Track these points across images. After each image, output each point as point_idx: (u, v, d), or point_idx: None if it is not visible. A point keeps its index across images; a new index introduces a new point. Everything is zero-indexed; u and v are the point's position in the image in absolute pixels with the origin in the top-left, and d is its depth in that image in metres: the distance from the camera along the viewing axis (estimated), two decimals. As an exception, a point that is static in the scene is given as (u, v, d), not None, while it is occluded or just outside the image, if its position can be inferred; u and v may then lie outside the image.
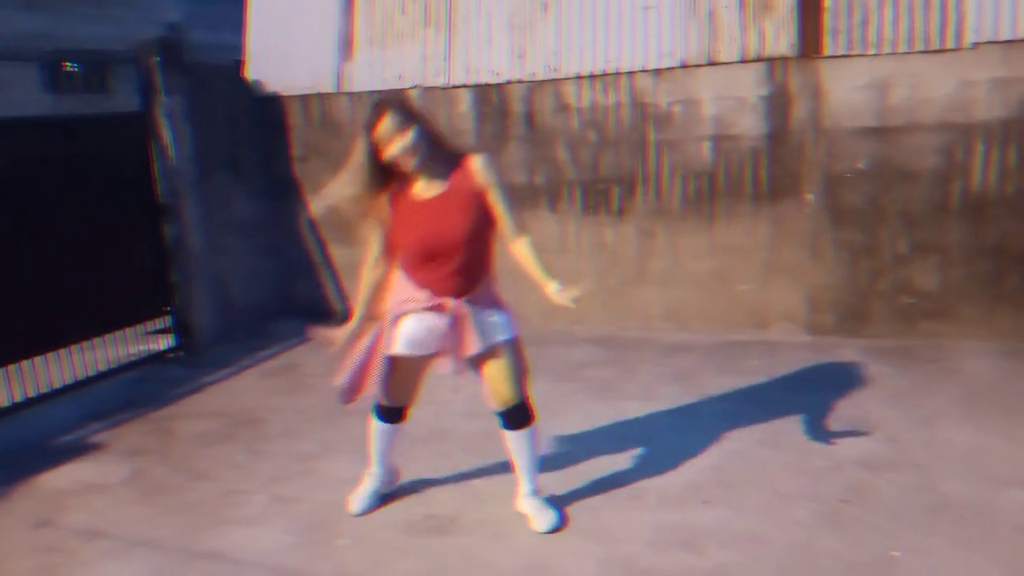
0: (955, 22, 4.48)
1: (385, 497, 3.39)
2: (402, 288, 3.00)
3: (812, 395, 4.15)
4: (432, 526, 3.18)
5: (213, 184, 5.83)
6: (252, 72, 6.18)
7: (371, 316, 3.07)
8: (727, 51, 4.96)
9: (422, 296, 2.92)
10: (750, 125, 4.96)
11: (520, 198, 5.53)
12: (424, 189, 2.85)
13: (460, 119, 5.67)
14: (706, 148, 5.08)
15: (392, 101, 2.79)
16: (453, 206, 2.82)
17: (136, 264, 5.37)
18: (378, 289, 3.08)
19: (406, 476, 3.60)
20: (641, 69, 5.14)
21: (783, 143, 4.92)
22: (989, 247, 4.60)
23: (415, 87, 5.77)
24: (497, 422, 3.11)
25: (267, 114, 6.19)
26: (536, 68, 5.42)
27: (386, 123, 2.73)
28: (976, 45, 4.46)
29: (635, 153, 5.22)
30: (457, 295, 2.91)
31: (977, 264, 4.64)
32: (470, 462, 3.70)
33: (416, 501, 3.39)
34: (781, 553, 2.83)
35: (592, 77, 5.28)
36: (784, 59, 4.84)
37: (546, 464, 3.51)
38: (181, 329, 5.63)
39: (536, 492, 3.18)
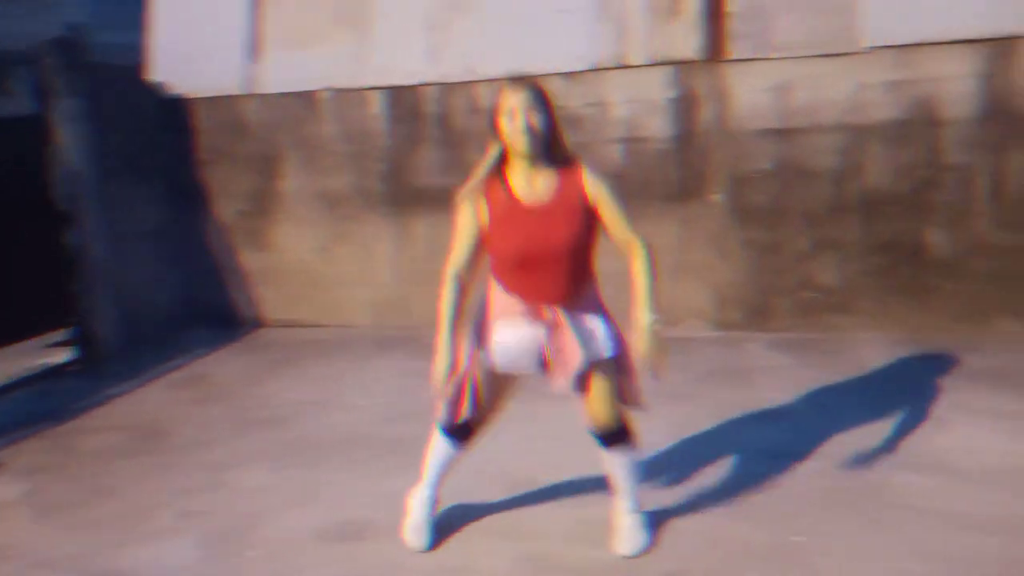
0: (851, 27, 4.67)
1: (438, 521, 3.09)
2: (496, 296, 2.79)
3: (721, 388, 4.26)
4: (346, 533, 3.13)
5: (115, 189, 5.63)
6: (155, 73, 6.00)
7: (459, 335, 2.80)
8: (637, 54, 5.05)
9: (516, 304, 2.72)
10: (659, 127, 5.07)
11: (434, 201, 5.53)
12: (528, 192, 2.65)
13: (372, 121, 5.63)
14: (617, 150, 5.16)
15: (534, 83, 2.64)
16: (559, 214, 2.63)
17: (34, 273, 5.15)
18: (461, 305, 2.78)
19: (318, 483, 3.55)
20: (554, 72, 5.19)
21: (691, 145, 5.04)
22: (883, 243, 4.82)
23: (326, 89, 5.70)
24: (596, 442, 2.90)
25: (172, 117, 6.01)
26: (451, 70, 5.42)
27: (521, 95, 2.56)
28: (871, 49, 4.66)
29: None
30: (553, 303, 2.71)
31: (872, 259, 4.85)
32: (384, 468, 3.66)
33: (328, 508, 3.34)
34: (688, 541, 2.89)
35: (506, 79, 5.29)
36: (691, 63, 4.97)
37: (461, 467, 3.50)
38: (83, 340, 5.41)
39: (635, 511, 2.95)
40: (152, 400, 4.79)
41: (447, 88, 5.44)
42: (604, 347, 2.72)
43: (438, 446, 3.01)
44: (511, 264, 2.70)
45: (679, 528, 2.99)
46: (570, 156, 2.69)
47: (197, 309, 6.16)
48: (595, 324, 2.73)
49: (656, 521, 3.01)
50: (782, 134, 4.88)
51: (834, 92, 4.76)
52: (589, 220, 2.67)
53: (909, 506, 3.03)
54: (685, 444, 3.66)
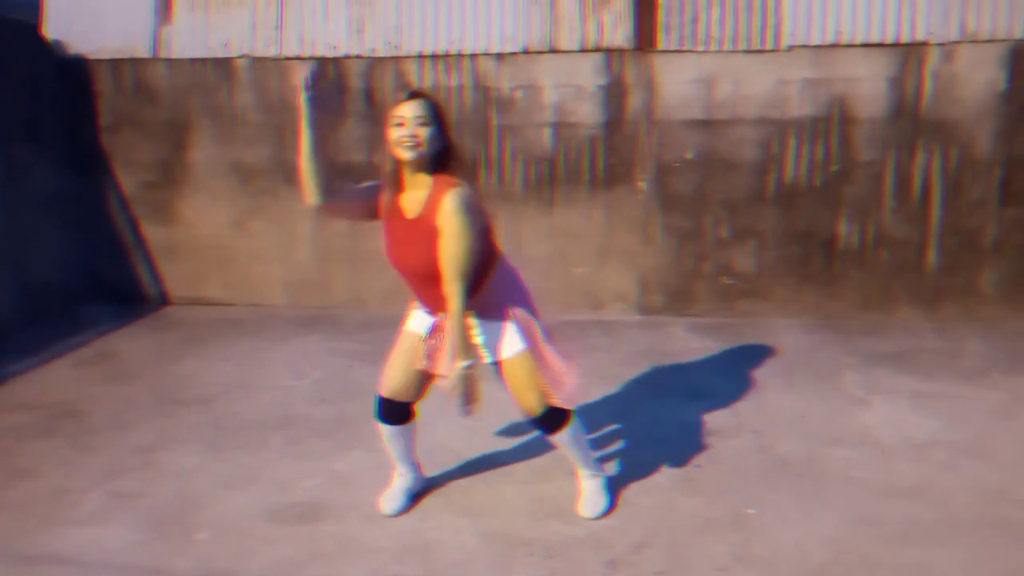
0: (774, 26, 4.88)
1: (417, 495, 3.13)
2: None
3: (653, 370, 4.39)
4: (298, 513, 3.05)
5: (10, 154, 5.22)
6: (53, 31, 5.59)
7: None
8: (568, 39, 5.10)
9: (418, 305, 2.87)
10: (588, 113, 5.14)
11: (358, 177, 5.38)
12: (408, 203, 2.68)
13: (293, 92, 5.44)
14: (547, 134, 5.21)
15: (429, 96, 2.66)
16: (421, 234, 2.63)
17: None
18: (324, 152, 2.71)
19: (257, 464, 3.43)
20: (484, 52, 5.17)
21: (619, 132, 5.14)
22: (798, 232, 5.07)
23: (243, 56, 5.47)
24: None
25: (71, 78, 5.62)
26: (376, 44, 5.30)
27: (409, 107, 2.59)
28: (791, 48, 4.89)
29: (478, 137, 5.25)
30: (437, 310, 2.77)
31: (788, 248, 5.10)
32: (326, 448, 3.58)
33: (275, 489, 3.23)
34: (647, 515, 2.98)
35: (435, 57, 5.25)
36: (621, 51, 5.06)
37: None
38: (-28, 315, 5.02)
39: (594, 475, 3.07)
40: (59, 378, 4.49)
41: (373, 62, 5.33)
42: (510, 344, 2.78)
43: (383, 433, 3.03)
44: (397, 267, 2.76)
45: (633, 502, 3.07)
46: (450, 176, 2.66)
47: (98, 284, 5.81)
48: (498, 324, 2.78)
49: (614, 488, 3.09)
50: (706, 125, 5.05)
51: (756, 87, 4.97)
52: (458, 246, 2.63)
53: (842, 477, 3.22)
54: (623, 423, 3.75)
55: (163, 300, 5.84)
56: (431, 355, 2.84)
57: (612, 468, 3.33)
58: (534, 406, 2.84)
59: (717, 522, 2.93)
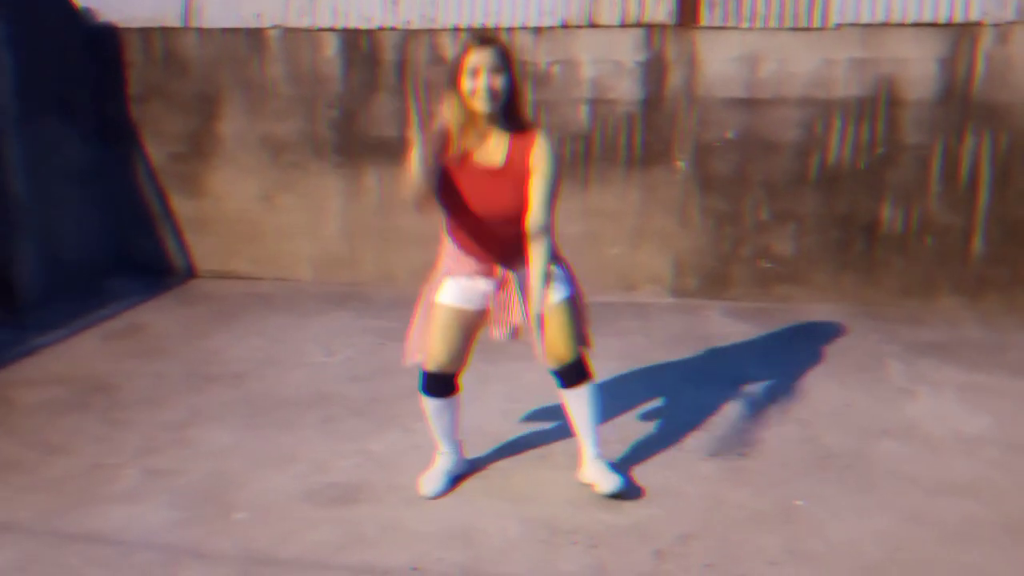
0: (821, 3, 4.73)
1: (457, 478, 3.07)
2: (449, 251, 2.86)
3: (691, 355, 4.30)
4: (336, 495, 3.00)
5: (40, 124, 5.16)
6: (82, -2, 5.51)
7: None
8: (607, 14, 4.97)
9: (469, 263, 2.80)
10: (626, 90, 5.02)
11: (390, 152, 5.33)
12: (482, 152, 2.64)
13: (326, 64, 5.35)
14: (583, 111, 5.09)
15: (500, 41, 2.61)
16: (509, 179, 2.64)
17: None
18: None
19: (293, 443, 3.39)
20: (521, 26, 5.05)
21: (657, 110, 5.02)
22: (839, 217, 4.95)
23: (275, 27, 5.37)
24: (554, 381, 2.98)
25: (100, 48, 5.54)
26: (411, 16, 5.19)
27: (484, 54, 2.54)
28: (839, 26, 4.74)
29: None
30: (505, 263, 2.79)
31: (828, 232, 4.99)
32: (362, 427, 3.52)
33: (312, 469, 3.19)
34: (694, 506, 2.91)
35: (470, 30, 5.13)
36: (662, 26, 4.93)
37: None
38: (1, 286, 4.97)
39: (600, 455, 3.00)
40: (87, 352, 4.45)
41: (407, 35, 5.22)
42: (556, 290, 2.81)
43: (429, 407, 2.97)
44: (463, 223, 2.73)
45: (678, 491, 3.00)
46: (527, 121, 2.71)
47: (124, 256, 5.76)
48: (555, 273, 2.80)
49: (651, 481, 3.03)
50: (748, 104, 4.92)
51: (801, 66, 4.83)
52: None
53: (892, 472, 3.13)
54: (664, 410, 3.67)
55: (190, 273, 5.78)
56: (502, 311, 2.83)
57: (656, 455, 3.26)
58: (564, 354, 2.85)
59: (766, 514, 2.85)
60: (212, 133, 5.58)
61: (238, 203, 5.64)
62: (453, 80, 2.60)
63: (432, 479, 3.02)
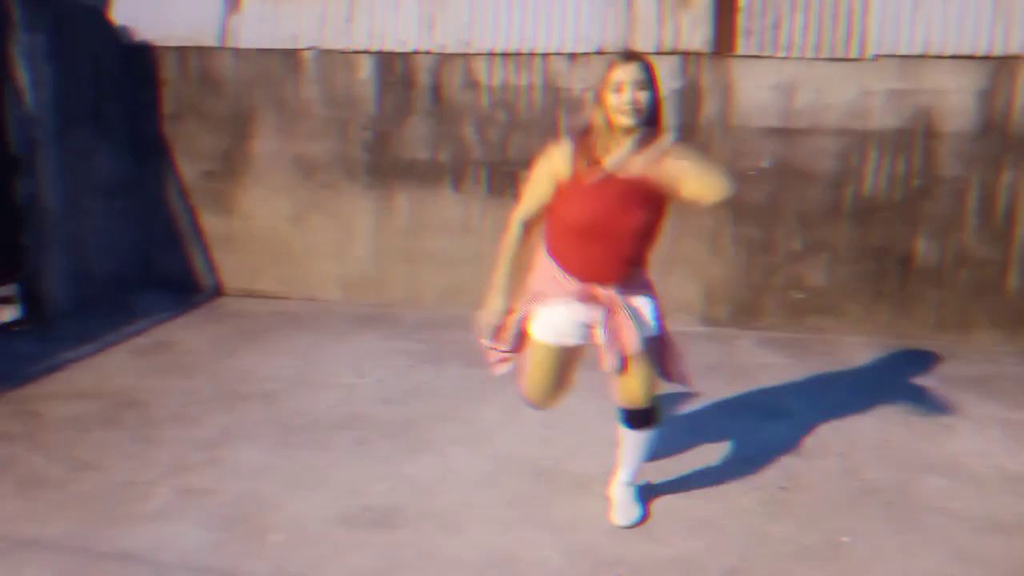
0: (859, 34, 4.72)
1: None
2: (547, 271, 2.78)
3: (724, 384, 4.25)
4: (372, 519, 2.95)
5: (74, 138, 5.19)
6: (121, 16, 5.55)
7: (515, 290, 2.81)
8: (643, 42, 4.97)
9: (570, 283, 2.72)
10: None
11: (421, 175, 5.33)
12: (615, 165, 2.60)
13: (360, 86, 5.37)
14: (616, 137, 5.08)
15: (645, 59, 2.60)
16: (638, 194, 2.60)
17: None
18: (521, 251, 2.79)
19: (326, 465, 3.35)
20: (556, 52, 5.06)
21: (692, 137, 5.00)
22: (874, 248, 4.91)
23: (311, 48, 5.40)
24: (617, 418, 2.95)
25: (136, 65, 5.59)
26: (446, 40, 5.21)
27: (629, 70, 2.53)
28: (877, 57, 4.73)
29: (546, 137, 5.13)
30: (608, 282, 2.71)
31: (862, 264, 4.94)
32: (396, 451, 3.48)
33: (346, 492, 3.14)
34: (737, 539, 2.85)
35: (505, 55, 5.14)
36: (698, 54, 4.93)
37: (480, 454, 3.38)
38: (30, 298, 4.98)
39: (632, 482, 3.02)
40: (116, 367, 4.44)
41: (442, 59, 5.24)
42: (650, 327, 2.77)
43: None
44: (575, 235, 2.68)
45: (719, 524, 2.94)
46: (663, 137, 2.64)
47: (152, 272, 5.77)
48: (643, 304, 2.77)
49: (692, 514, 2.96)
50: (783, 133, 4.90)
51: (837, 96, 4.81)
52: (662, 204, 2.67)
53: (937, 509, 3.06)
54: (701, 440, 3.61)
55: (217, 291, 5.78)
56: (612, 337, 2.73)
57: (694, 485, 3.20)
58: (645, 398, 2.83)
59: (811, 550, 2.79)
60: (244, 152, 5.60)
61: (268, 222, 5.65)
62: (598, 95, 2.60)
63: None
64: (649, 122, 2.58)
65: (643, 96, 2.52)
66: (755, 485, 3.22)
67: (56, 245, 5.06)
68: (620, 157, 2.59)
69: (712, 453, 3.48)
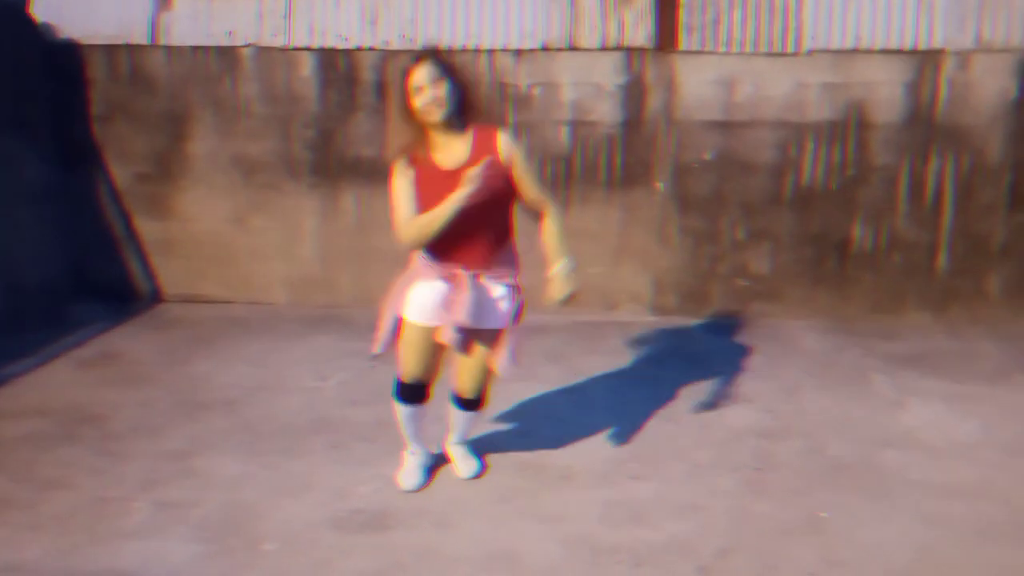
0: (795, 29, 4.91)
1: (432, 469, 3.28)
2: (418, 262, 2.93)
3: (684, 372, 4.37)
4: (364, 522, 2.93)
5: (-3, 143, 4.93)
6: (42, 13, 5.29)
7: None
8: (588, 38, 5.05)
9: (436, 268, 2.88)
10: (606, 112, 5.10)
11: (368, 173, 5.28)
12: (447, 156, 2.80)
13: (301, 84, 5.27)
14: (564, 132, 5.15)
15: (432, 52, 2.77)
16: (482, 179, 2.74)
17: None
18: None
19: (305, 470, 3.30)
20: (502, 48, 5.09)
21: (637, 132, 5.11)
22: (813, 235, 5.12)
23: (248, 45, 5.27)
24: (448, 401, 3.21)
25: (61, 64, 5.33)
26: (390, 36, 5.17)
27: (421, 71, 2.71)
28: (811, 52, 4.93)
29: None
30: (470, 267, 2.86)
31: (802, 250, 5.15)
32: (372, 453, 3.45)
33: (332, 496, 3.11)
34: (723, 520, 2.95)
35: (450, 52, 5.13)
36: (641, 50, 5.03)
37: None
38: (-42, 313, 4.72)
39: (464, 441, 3.33)
40: (62, 380, 4.25)
41: (387, 55, 5.19)
42: (497, 320, 2.93)
43: (403, 413, 3.13)
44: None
45: (703, 506, 3.04)
46: (483, 120, 2.88)
47: (86, 280, 5.52)
48: (502, 295, 2.92)
49: (676, 497, 3.05)
50: (725, 126, 5.06)
51: (775, 90, 5.00)
52: (505, 181, 2.83)
53: (901, 479, 3.24)
54: (668, 426, 3.71)
55: (156, 298, 5.58)
56: (450, 308, 2.86)
57: (674, 470, 3.30)
58: (473, 391, 3.10)
59: (794, 526, 2.91)
60: (181, 153, 5.42)
61: (208, 225, 5.49)
62: (404, 103, 2.77)
63: (411, 474, 3.20)
64: (460, 111, 2.77)
65: (442, 89, 2.70)
66: (731, 467, 3.33)
67: (-17, 256, 4.81)
68: (449, 148, 2.79)
69: (684, 438, 3.59)
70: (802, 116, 5.00)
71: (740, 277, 5.22)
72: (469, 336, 2.96)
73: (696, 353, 4.66)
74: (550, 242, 2.93)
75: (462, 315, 2.84)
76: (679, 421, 3.76)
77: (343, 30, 5.20)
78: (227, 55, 5.28)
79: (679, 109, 5.07)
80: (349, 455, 3.44)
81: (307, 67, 5.26)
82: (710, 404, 3.92)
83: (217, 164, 5.41)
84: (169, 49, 5.32)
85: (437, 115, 2.72)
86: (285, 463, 3.37)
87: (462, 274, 2.85)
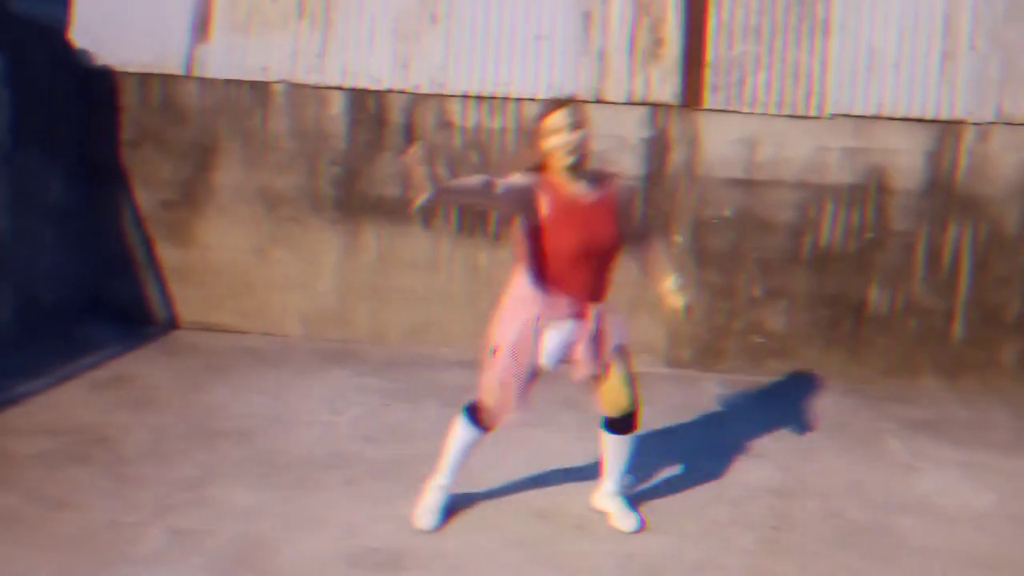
0: (818, 93, 5.00)
1: (450, 512, 3.23)
2: (529, 299, 3.02)
3: (699, 426, 4.36)
4: (380, 561, 2.91)
5: (26, 161, 5.00)
6: (81, 38, 5.40)
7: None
8: (614, 91, 5.14)
9: (561, 304, 3.00)
10: (630, 165, 5.16)
11: (390, 212, 5.34)
12: (577, 193, 2.96)
13: (331, 122, 5.35)
14: (587, 181, 5.20)
15: (573, 101, 3.03)
16: (607, 213, 3.00)
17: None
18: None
19: (320, 505, 3.28)
20: (530, 97, 5.17)
21: (658, 186, 5.17)
22: (829, 296, 5.15)
23: (281, 82, 5.36)
24: (599, 425, 3.23)
25: (94, 89, 5.43)
26: (420, 81, 5.26)
27: (562, 116, 2.89)
28: (833, 116, 5.01)
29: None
30: (594, 300, 3.04)
31: (818, 311, 5.17)
32: (387, 491, 3.43)
33: (346, 533, 3.09)
34: (741, 579, 2.93)
35: (479, 98, 5.22)
36: (667, 106, 5.12)
37: (474, 496, 3.38)
38: (-26, 328, 4.73)
39: (620, 492, 3.28)
40: (76, 401, 4.24)
41: (416, 98, 5.28)
42: (619, 337, 3.13)
43: (462, 433, 3.13)
44: (567, 258, 2.96)
45: (722, 564, 3.02)
46: (598, 169, 3.15)
47: (102, 302, 5.54)
48: (615, 317, 3.16)
49: (694, 555, 3.03)
50: (746, 185, 5.12)
51: (796, 151, 5.07)
52: (618, 223, 3.06)
53: (918, 547, 3.21)
54: (686, 480, 3.70)
55: (172, 324, 5.59)
56: (589, 348, 3.04)
57: (690, 526, 3.28)
58: (627, 403, 3.12)
59: (812, 588, 2.89)
60: (206, 182, 5.48)
61: (228, 254, 5.52)
62: (533, 141, 2.99)
63: (429, 513, 3.17)
64: (583, 160, 2.97)
65: (577, 136, 2.90)
66: (748, 525, 3.31)
67: (4, 272, 4.83)
68: (583, 188, 2.97)
69: (700, 494, 3.57)
70: (822, 178, 5.06)
71: (755, 334, 5.23)
72: (599, 362, 3.07)
73: (710, 408, 4.66)
74: (658, 260, 3.30)
75: (607, 352, 3.05)
76: (695, 476, 3.74)
77: (375, 71, 5.29)
78: (259, 89, 5.37)
79: (701, 165, 5.14)
80: (364, 492, 3.42)
81: (337, 106, 5.35)
82: (725, 460, 3.91)
83: (242, 195, 5.47)
84: (203, 81, 5.41)
85: (569, 159, 2.90)
86: (300, 497, 3.35)
87: (596, 310, 3.03)
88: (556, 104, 2.95)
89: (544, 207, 2.91)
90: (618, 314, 3.18)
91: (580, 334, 3.02)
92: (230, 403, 4.33)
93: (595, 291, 3.05)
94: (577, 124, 2.90)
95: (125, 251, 5.58)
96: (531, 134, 3.01)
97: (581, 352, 3.04)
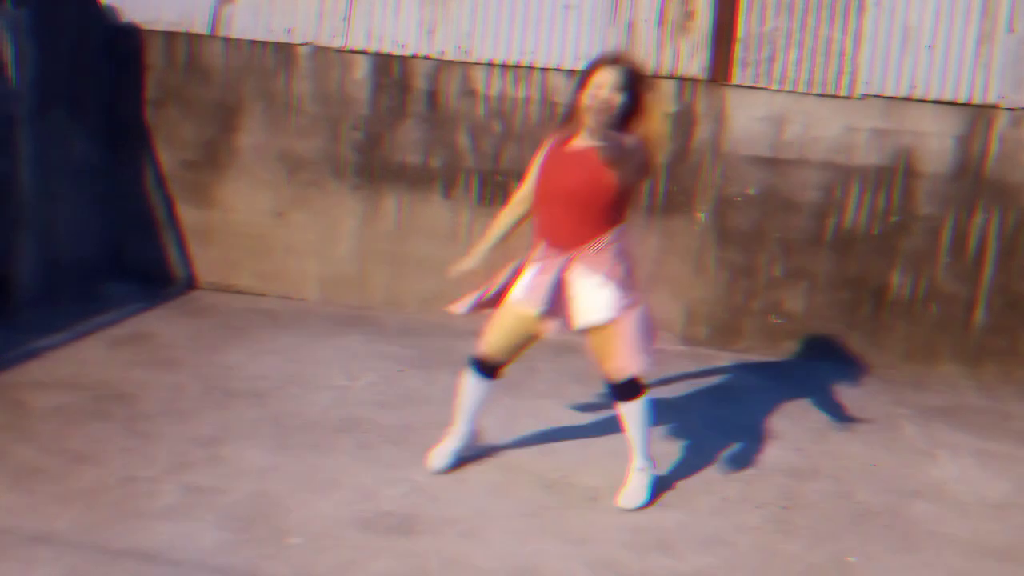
0: (849, 73, 4.91)
1: (463, 460, 3.34)
2: (533, 247, 3.13)
3: (709, 404, 4.35)
4: (392, 524, 2.93)
5: (50, 118, 4.99)
6: (107, -5, 5.39)
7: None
8: (642, 64, 5.06)
9: (543, 250, 3.03)
10: (654, 138, 5.10)
11: (411, 179, 5.32)
12: (575, 146, 2.93)
13: (354, 86, 5.32)
14: (609, 155, 5.16)
15: (631, 63, 2.88)
16: (585, 161, 2.84)
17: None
18: (513, 228, 3.26)
19: (332, 468, 3.31)
20: (556, 67, 5.12)
21: (683, 161, 5.12)
22: (850, 279, 5.09)
23: (305, 44, 5.33)
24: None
25: (120, 47, 5.42)
26: (446, 47, 5.21)
27: (608, 73, 2.79)
28: (864, 96, 4.93)
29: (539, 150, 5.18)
30: (574, 247, 2.95)
31: (838, 293, 5.12)
32: (400, 456, 3.46)
33: (359, 496, 3.12)
34: (749, 556, 2.93)
35: (504, 66, 5.17)
36: (694, 80, 5.05)
37: (486, 465, 3.40)
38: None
39: (643, 468, 3.21)
40: (95, 357, 4.29)
41: (441, 65, 5.23)
42: (605, 309, 2.96)
43: (470, 383, 3.23)
44: (542, 203, 3.03)
45: (730, 541, 3.02)
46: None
47: (122, 261, 5.58)
48: (603, 284, 2.95)
49: (702, 529, 3.03)
50: (771, 163, 5.06)
51: (824, 131, 4.99)
52: (613, 173, 2.83)
53: (930, 532, 3.21)
54: (700, 458, 3.69)
55: (190, 284, 5.63)
56: (559, 307, 2.99)
57: (701, 502, 3.28)
58: (611, 373, 3.08)
59: (821, 568, 2.89)
60: (228, 144, 5.48)
61: (248, 216, 5.53)
62: (575, 93, 2.89)
63: (442, 455, 3.29)
64: (620, 125, 2.81)
65: (616, 100, 2.77)
66: (758, 503, 3.31)
67: (28, 228, 4.86)
68: (583, 139, 2.87)
69: (713, 472, 3.57)
70: (849, 159, 4.99)
71: (774, 314, 5.19)
72: (561, 316, 3.01)
73: (725, 386, 4.64)
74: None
75: (539, 296, 2.95)
76: (707, 453, 3.73)
77: (401, 37, 5.24)
78: (284, 51, 5.35)
79: (727, 142, 5.07)
80: (377, 456, 3.45)
81: (361, 70, 5.31)
82: (738, 439, 3.90)
83: (263, 158, 5.46)
84: (227, 41, 5.39)
85: (600, 117, 2.75)
86: (313, 459, 3.38)
87: (564, 262, 2.95)
88: (611, 60, 2.83)
89: (540, 158, 3.03)
90: (621, 281, 3.01)
91: (549, 284, 2.96)
92: (246, 364, 4.36)
93: (572, 239, 2.96)
94: (623, 87, 2.79)
95: (147, 211, 5.60)
96: (576, 85, 2.92)
97: (541, 296, 2.97)
